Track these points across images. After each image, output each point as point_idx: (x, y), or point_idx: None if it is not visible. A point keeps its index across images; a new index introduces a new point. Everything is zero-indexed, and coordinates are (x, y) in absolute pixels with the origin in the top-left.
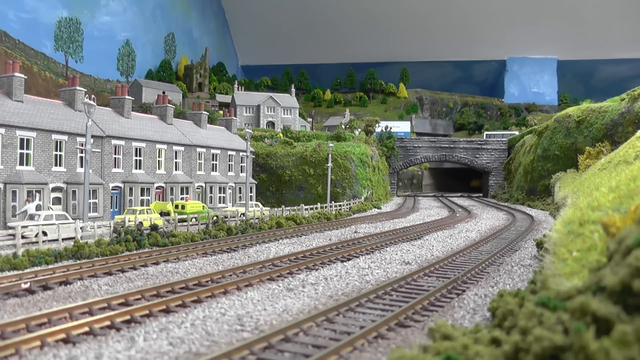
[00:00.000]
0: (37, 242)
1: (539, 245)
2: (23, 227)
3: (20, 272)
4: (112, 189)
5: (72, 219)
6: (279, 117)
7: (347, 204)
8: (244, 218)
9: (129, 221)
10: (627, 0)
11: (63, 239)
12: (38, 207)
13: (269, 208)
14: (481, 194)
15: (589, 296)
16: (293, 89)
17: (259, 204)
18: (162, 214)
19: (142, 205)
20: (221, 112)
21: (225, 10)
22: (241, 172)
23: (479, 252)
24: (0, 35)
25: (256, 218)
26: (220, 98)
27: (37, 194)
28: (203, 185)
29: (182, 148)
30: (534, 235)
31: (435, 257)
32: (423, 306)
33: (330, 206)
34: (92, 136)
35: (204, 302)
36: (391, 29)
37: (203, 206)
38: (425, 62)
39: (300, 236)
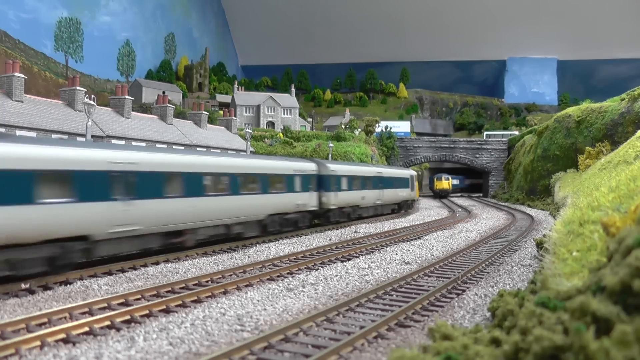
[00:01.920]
0: None
1: (539, 245)
2: None
3: None
4: None
5: None
6: (279, 117)
7: None
8: None
9: None
10: (627, 0)
11: None
12: None
13: None
14: (481, 194)
15: (589, 296)
16: (293, 89)
17: None
18: None
19: None
20: (221, 112)
21: (225, 10)
22: None
23: (479, 252)
24: (0, 35)
25: None
26: (220, 98)
27: None
28: None
29: (182, 148)
30: (534, 235)
31: (435, 257)
32: (423, 306)
33: None
34: (92, 136)
35: (204, 302)
36: (391, 29)
37: None
38: (425, 62)
39: (300, 236)
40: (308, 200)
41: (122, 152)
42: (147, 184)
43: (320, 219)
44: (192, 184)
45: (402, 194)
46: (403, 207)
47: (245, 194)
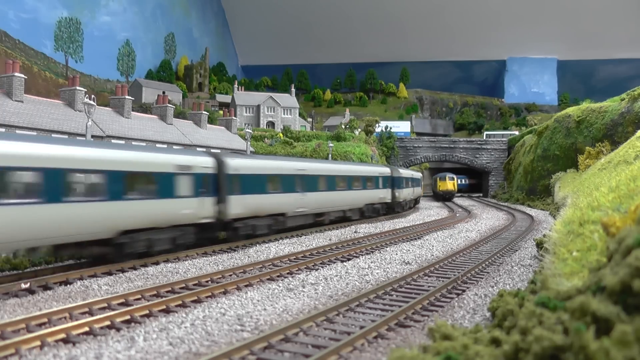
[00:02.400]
0: None
1: (539, 245)
2: None
3: None
4: None
5: None
6: (279, 117)
7: None
8: None
9: None
10: (627, 0)
11: None
12: None
13: None
14: (481, 194)
15: (589, 296)
16: (293, 89)
17: None
18: None
19: None
20: (221, 112)
21: (225, 10)
22: None
23: (479, 252)
24: (0, 35)
25: None
26: (220, 98)
27: None
28: None
29: (182, 148)
30: (534, 235)
31: (435, 257)
32: (423, 306)
33: None
34: (92, 136)
35: (203, 302)
36: (391, 29)
37: None
38: (425, 62)
39: (300, 236)
40: (386, 194)
41: (300, 163)
42: (311, 183)
43: (389, 209)
44: (331, 182)
45: (418, 190)
46: (418, 201)
47: (355, 189)
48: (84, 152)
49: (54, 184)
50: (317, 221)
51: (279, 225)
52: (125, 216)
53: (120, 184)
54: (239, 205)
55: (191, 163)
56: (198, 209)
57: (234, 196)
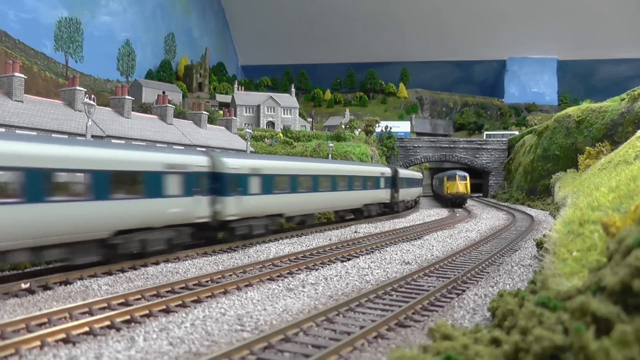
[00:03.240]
0: None
1: (539, 245)
2: None
3: None
4: None
5: None
6: (279, 117)
7: None
8: None
9: None
10: (627, 0)
11: None
12: None
13: None
14: (481, 194)
15: (589, 296)
16: (293, 89)
17: None
18: None
19: None
20: (221, 112)
21: (225, 10)
22: None
23: (479, 252)
24: (0, 35)
25: None
26: (220, 98)
27: None
28: None
29: (182, 148)
30: (534, 235)
31: (435, 257)
32: (423, 306)
33: None
34: (92, 136)
35: (204, 302)
36: (391, 29)
37: None
38: (425, 62)
39: (300, 236)
40: (420, 192)
41: (408, 171)
42: (411, 183)
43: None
44: (412, 183)
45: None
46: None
47: (417, 187)
48: (341, 166)
49: (334, 182)
50: (411, 205)
51: (407, 205)
52: (364, 197)
53: (362, 182)
54: (403, 194)
55: (385, 171)
56: (385, 195)
57: (401, 189)
